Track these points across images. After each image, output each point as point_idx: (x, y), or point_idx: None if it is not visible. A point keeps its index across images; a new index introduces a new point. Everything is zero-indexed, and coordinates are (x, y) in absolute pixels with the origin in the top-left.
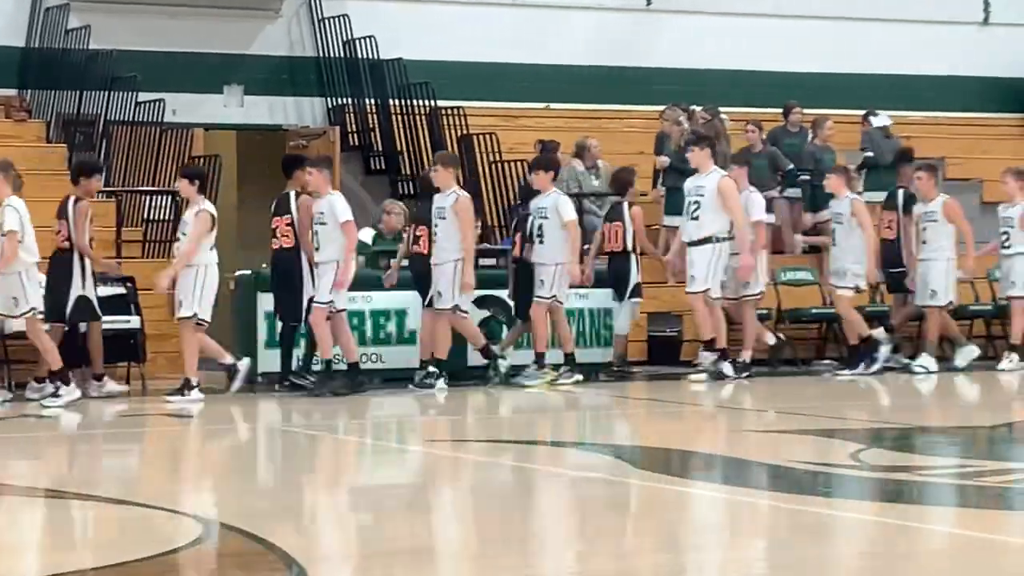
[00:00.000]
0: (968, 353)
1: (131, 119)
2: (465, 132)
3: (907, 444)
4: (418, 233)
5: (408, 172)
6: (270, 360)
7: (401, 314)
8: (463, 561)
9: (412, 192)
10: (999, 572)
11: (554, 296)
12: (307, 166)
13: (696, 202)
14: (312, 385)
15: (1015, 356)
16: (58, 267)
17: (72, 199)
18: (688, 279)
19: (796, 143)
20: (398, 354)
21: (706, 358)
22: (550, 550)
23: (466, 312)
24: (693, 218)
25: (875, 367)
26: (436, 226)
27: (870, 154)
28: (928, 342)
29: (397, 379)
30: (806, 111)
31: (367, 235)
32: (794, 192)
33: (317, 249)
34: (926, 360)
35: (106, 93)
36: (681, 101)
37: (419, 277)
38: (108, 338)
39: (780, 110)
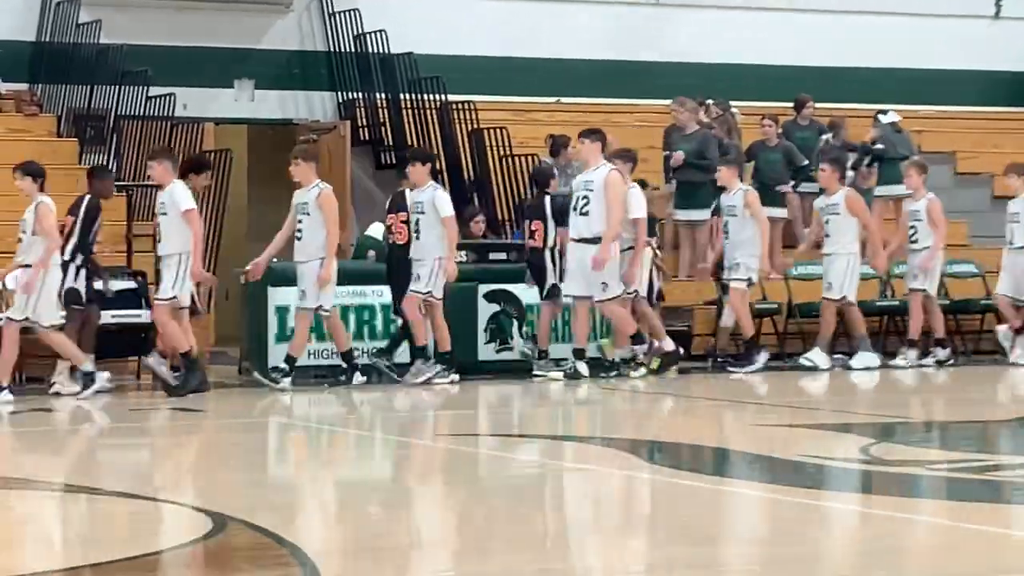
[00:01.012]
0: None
1: (142, 114)
2: (476, 126)
3: (917, 438)
4: (533, 228)
5: None
6: (281, 354)
7: None
8: (472, 555)
9: None
10: (1009, 566)
11: (430, 292)
12: (148, 159)
13: (585, 197)
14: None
15: (912, 352)
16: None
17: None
18: (599, 287)
19: (807, 136)
20: (408, 348)
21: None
22: (570, 545)
23: (328, 311)
24: (582, 214)
25: (754, 367)
26: (300, 221)
27: (880, 146)
28: (820, 336)
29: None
30: (817, 105)
31: (377, 230)
32: (809, 187)
33: (159, 241)
34: (817, 356)
35: (117, 88)
36: (694, 95)
37: (535, 270)
38: (118, 332)
39: (791, 104)
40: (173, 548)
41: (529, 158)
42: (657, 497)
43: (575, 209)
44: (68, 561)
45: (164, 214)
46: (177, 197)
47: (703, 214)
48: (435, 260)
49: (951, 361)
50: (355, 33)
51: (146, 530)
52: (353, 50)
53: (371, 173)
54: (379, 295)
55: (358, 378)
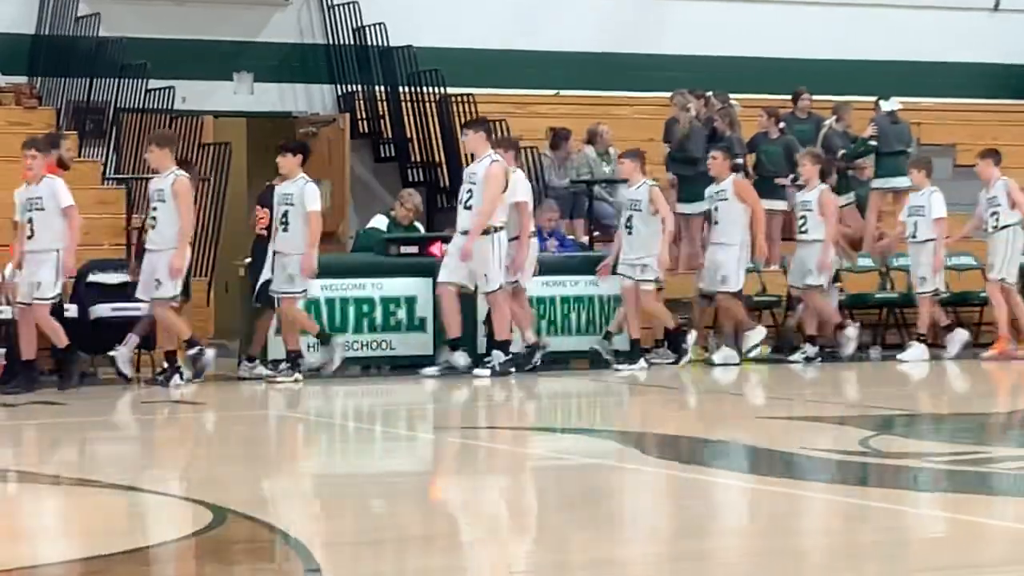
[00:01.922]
0: (744, 347)
1: (141, 106)
2: (475, 119)
3: (916, 431)
4: None
5: (418, 159)
6: (278, 347)
7: (411, 301)
8: (471, 547)
9: (422, 179)
10: (1009, 558)
11: (304, 290)
12: (27, 147)
13: (469, 190)
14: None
15: (809, 347)
16: (257, 252)
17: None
18: (480, 279)
19: (806, 129)
20: (408, 341)
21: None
22: (562, 537)
23: (176, 302)
24: (467, 207)
25: (685, 359)
26: (155, 209)
27: (873, 143)
28: (724, 333)
29: (407, 366)
30: (816, 97)
31: (381, 222)
32: None
33: (30, 237)
34: (726, 353)
35: (116, 80)
36: (695, 88)
37: None
38: (118, 325)
39: (790, 96)
40: (173, 541)
41: (529, 151)
42: (655, 489)
43: (461, 202)
44: (68, 554)
45: (41, 209)
46: (59, 194)
47: (694, 207)
48: (300, 256)
49: (819, 359)
50: (354, 26)
51: (146, 523)
52: (352, 43)
53: (370, 165)
54: (379, 288)
55: (176, 381)
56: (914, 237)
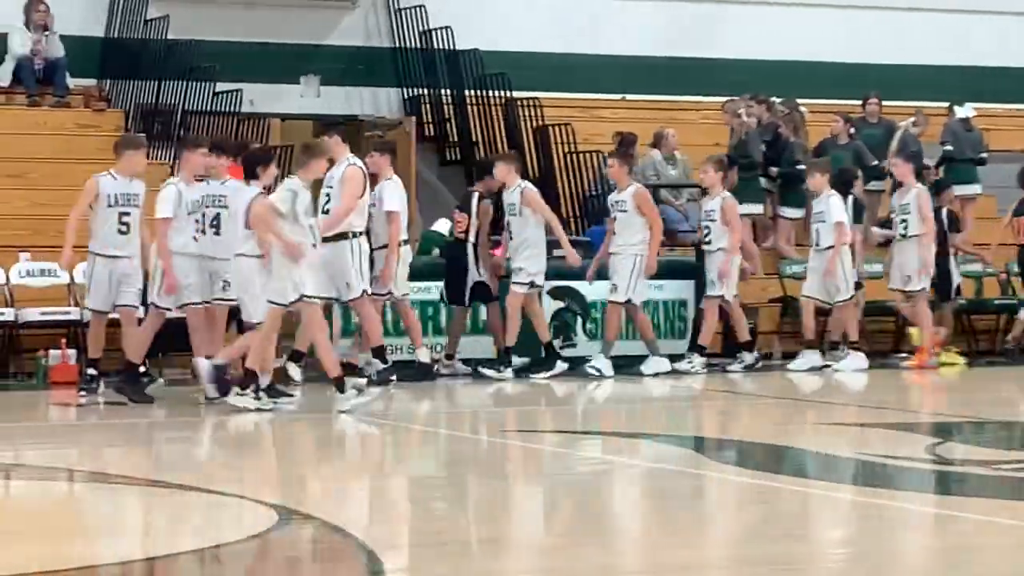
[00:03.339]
0: (658, 363)
1: (208, 109)
2: (541, 123)
3: (983, 438)
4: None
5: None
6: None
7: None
8: (537, 552)
9: None
10: None
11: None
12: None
13: (327, 194)
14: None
15: (746, 355)
16: (455, 255)
17: (476, 196)
18: (342, 287)
19: (876, 133)
20: (472, 344)
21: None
22: (627, 541)
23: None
24: (324, 211)
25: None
26: (128, 214)
27: (949, 148)
28: (605, 341)
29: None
30: (884, 103)
31: (443, 226)
32: (877, 185)
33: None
34: (600, 362)
35: (184, 83)
36: (759, 92)
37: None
38: (171, 328)
39: (858, 101)
40: (238, 541)
41: (594, 155)
42: (726, 496)
43: (320, 208)
44: (135, 553)
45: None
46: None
47: (752, 209)
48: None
49: (758, 365)
50: (421, 29)
51: (212, 523)
52: (419, 46)
53: (436, 169)
54: (427, 292)
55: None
56: (817, 245)
